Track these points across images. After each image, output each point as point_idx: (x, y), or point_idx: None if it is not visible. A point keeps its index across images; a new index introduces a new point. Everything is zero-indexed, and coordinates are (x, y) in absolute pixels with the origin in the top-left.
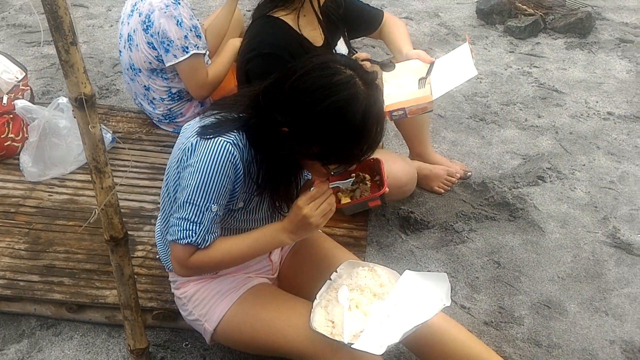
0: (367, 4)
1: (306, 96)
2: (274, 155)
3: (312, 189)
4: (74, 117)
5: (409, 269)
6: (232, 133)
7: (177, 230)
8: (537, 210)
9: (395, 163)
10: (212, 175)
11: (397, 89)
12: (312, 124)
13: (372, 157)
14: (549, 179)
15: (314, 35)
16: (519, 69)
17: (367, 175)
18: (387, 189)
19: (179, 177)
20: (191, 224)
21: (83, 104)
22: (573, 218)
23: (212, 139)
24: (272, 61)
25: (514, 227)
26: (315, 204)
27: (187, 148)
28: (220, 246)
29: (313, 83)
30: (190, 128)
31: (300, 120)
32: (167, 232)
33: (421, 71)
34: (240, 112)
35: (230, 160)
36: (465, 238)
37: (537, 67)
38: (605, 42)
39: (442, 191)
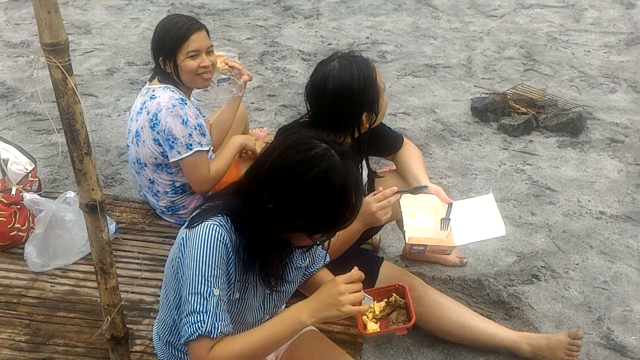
0: (389, 128)
1: (288, 172)
2: (260, 232)
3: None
4: (80, 210)
5: None
6: (217, 217)
7: (187, 328)
8: (532, 309)
9: None
10: (205, 259)
11: (412, 220)
12: (296, 198)
13: (397, 283)
14: (544, 278)
15: None
16: (512, 166)
17: (403, 300)
18: (414, 320)
19: (175, 276)
20: (198, 314)
21: (93, 209)
22: (567, 318)
23: (198, 226)
24: None
25: (510, 325)
26: (353, 286)
27: (179, 244)
28: (237, 339)
29: (293, 159)
30: (182, 228)
31: (283, 195)
32: (181, 337)
33: (438, 208)
34: (223, 199)
35: (220, 240)
36: None
37: (530, 164)
38: (597, 141)
39: (575, 359)
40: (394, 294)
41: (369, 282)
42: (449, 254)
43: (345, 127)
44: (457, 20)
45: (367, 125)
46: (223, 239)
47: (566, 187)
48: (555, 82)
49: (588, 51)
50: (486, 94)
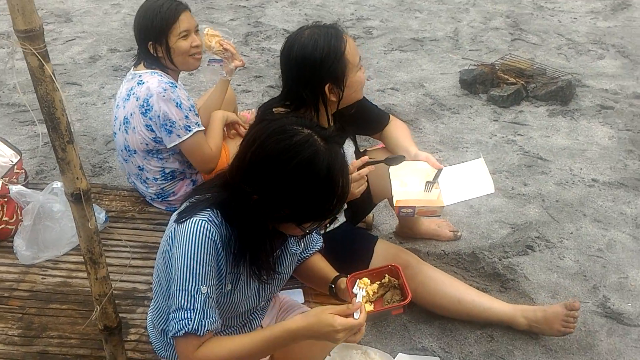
0: (376, 106)
1: (269, 162)
2: (249, 225)
3: (354, 314)
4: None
5: (402, 347)
6: (206, 211)
7: (175, 324)
8: (527, 280)
9: None
10: (193, 256)
11: (402, 187)
12: (280, 188)
13: (390, 264)
14: (538, 248)
15: None
16: (503, 137)
17: (396, 280)
18: (410, 298)
19: (166, 267)
20: (185, 311)
21: (79, 199)
22: (563, 288)
23: (187, 221)
24: None
25: (506, 297)
26: (351, 331)
27: (169, 237)
28: (226, 343)
29: (274, 148)
30: (171, 219)
31: (267, 186)
32: (168, 330)
33: (428, 174)
34: (211, 191)
35: (208, 237)
36: None
37: (521, 135)
38: (587, 108)
39: (572, 330)
40: (386, 275)
41: (363, 261)
42: (439, 216)
43: (310, 98)
44: None
45: (335, 100)
46: (212, 235)
47: (558, 156)
48: (543, 50)
49: (575, 18)
50: (474, 65)
